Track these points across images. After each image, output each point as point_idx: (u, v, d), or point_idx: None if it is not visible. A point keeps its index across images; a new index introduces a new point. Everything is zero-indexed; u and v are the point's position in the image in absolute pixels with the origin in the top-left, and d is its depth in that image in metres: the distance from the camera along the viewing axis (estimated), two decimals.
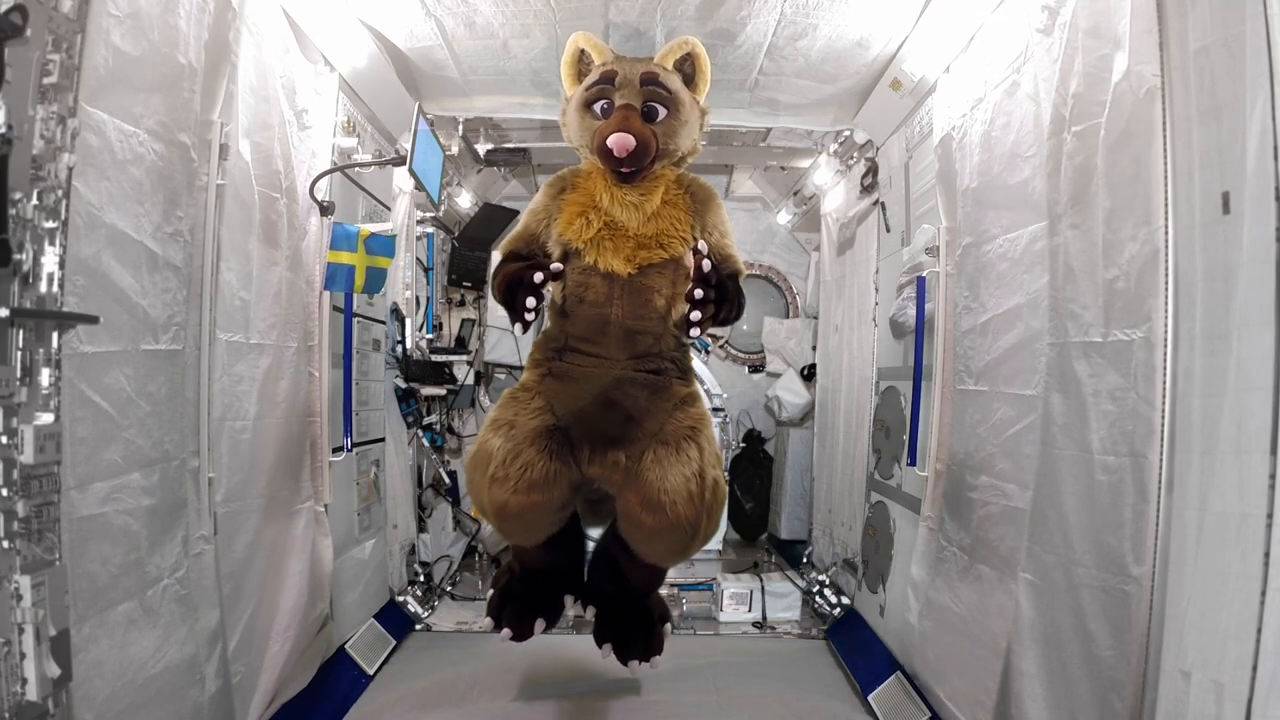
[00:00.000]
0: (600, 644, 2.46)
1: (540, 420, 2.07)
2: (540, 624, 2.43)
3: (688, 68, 2.18)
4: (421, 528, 4.16)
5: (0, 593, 1.39)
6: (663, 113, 2.09)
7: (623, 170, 2.05)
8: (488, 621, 2.49)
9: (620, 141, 1.97)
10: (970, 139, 2.52)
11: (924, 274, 2.82)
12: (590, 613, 2.51)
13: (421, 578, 4.00)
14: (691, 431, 2.11)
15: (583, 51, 2.21)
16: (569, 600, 2.51)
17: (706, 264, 1.83)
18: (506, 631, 2.39)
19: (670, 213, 2.09)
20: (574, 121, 2.18)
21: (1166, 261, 1.66)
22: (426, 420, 4.37)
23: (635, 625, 2.45)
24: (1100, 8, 1.84)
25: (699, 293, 1.84)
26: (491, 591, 2.49)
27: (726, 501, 2.22)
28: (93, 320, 1.61)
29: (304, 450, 2.69)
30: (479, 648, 3.39)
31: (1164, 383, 1.66)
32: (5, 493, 1.42)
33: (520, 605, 2.42)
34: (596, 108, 2.11)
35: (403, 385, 3.95)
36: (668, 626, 2.52)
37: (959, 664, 2.43)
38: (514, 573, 2.48)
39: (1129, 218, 1.76)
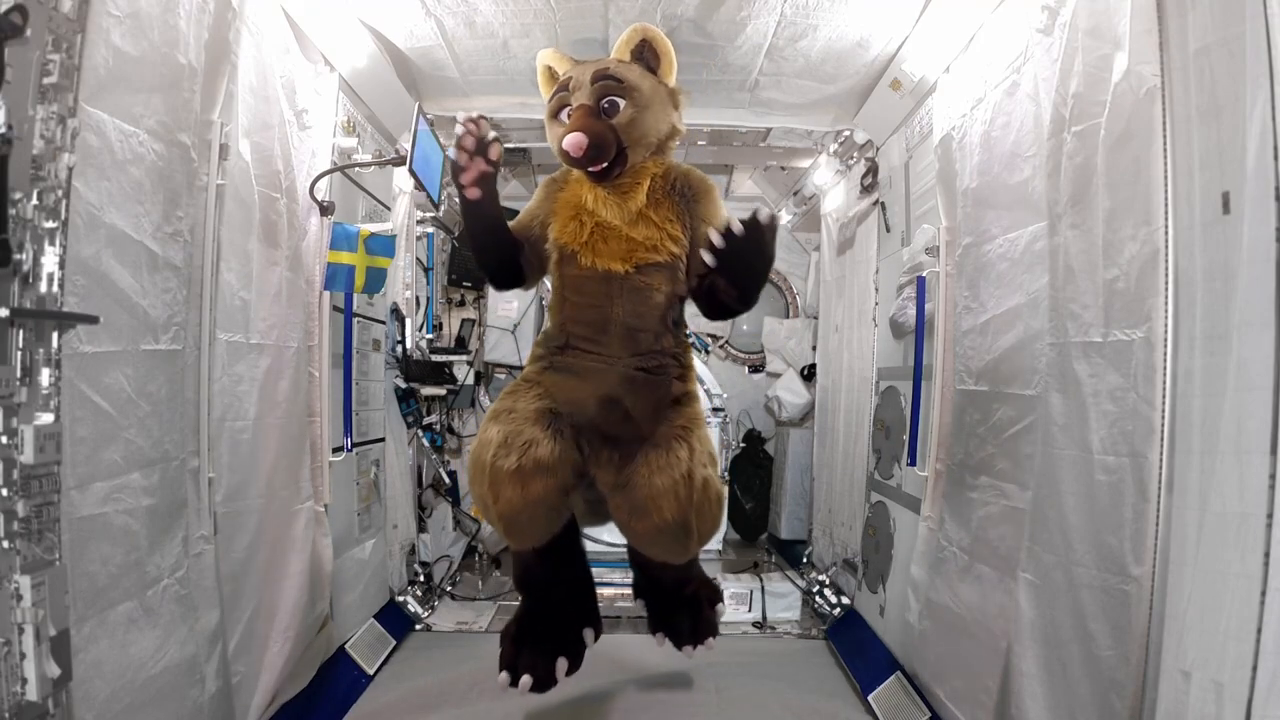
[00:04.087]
0: (655, 633, 2.49)
1: (540, 404, 2.04)
2: (563, 664, 2.16)
3: (648, 55, 2.14)
4: (421, 528, 4.16)
5: (0, 593, 1.39)
6: (622, 104, 2.05)
7: (591, 170, 2.04)
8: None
9: (572, 141, 1.93)
10: (970, 139, 2.52)
11: (924, 274, 2.82)
12: (641, 605, 2.53)
13: (421, 578, 4.00)
14: (683, 431, 2.09)
15: (549, 68, 2.22)
16: (589, 635, 2.29)
17: (715, 237, 1.77)
18: (527, 679, 2.09)
19: (659, 213, 2.07)
20: (549, 134, 2.19)
21: (1166, 261, 1.65)
22: (426, 420, 4.37)
23: (682, 612, 2.46)
24: (1100, 8, 1.84)
25: (716, 240, 1.77)
26: (503, 646, 2.20)
27: (724, 498, 2.19)
28: (93, 320, 1.61)
29: (304, 450, 2.69)
30: (479, 648, 3.38)
31: (1164, 383, 1.66)
32: (5, 493, 1.41)
33: (536, 646, 2.15)
34: (563, 115, 2.11)
35: (403, 385, 3.95)
36: (720, 607, 2.55)
37: (959, 664, 2.43)
38: (521, 617, 2.26)
39: (1129, 218, 1.76)
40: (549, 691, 2.15)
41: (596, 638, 2.32)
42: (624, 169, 2.06)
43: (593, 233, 2.05)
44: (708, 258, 1.80)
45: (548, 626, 2.20)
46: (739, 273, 1.91)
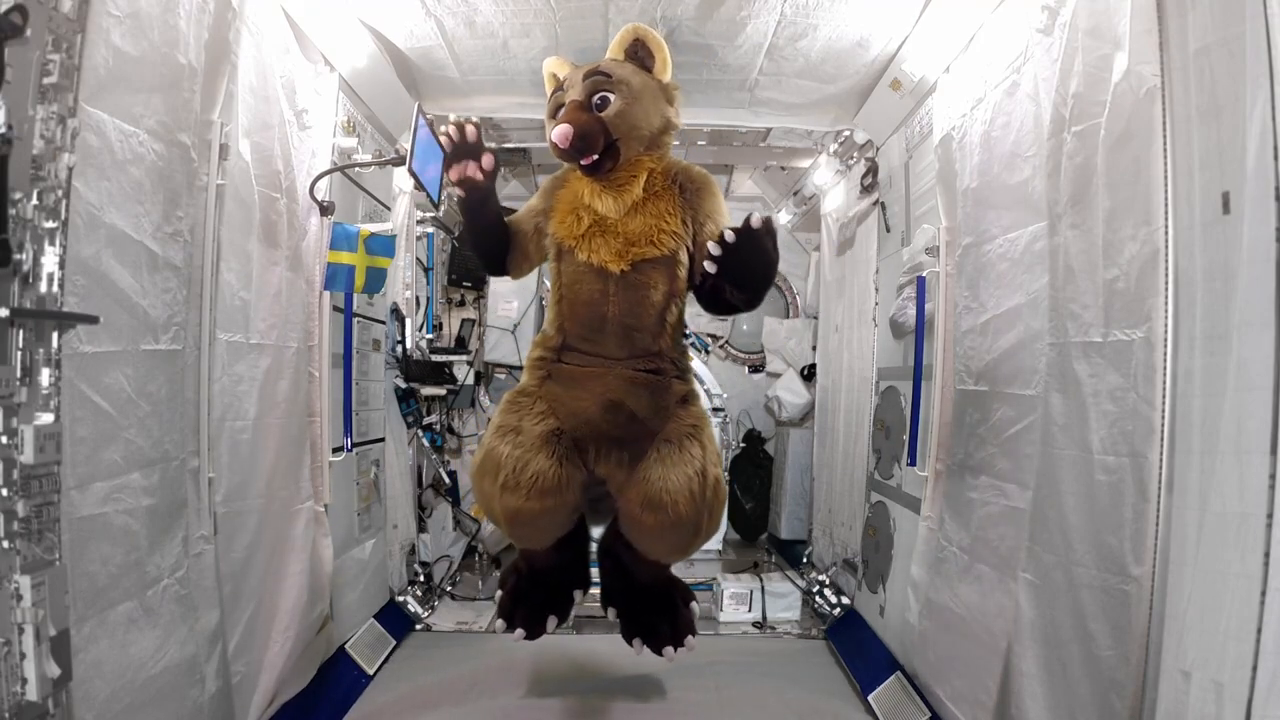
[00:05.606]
0: (630, 641, 2.48)
1: (545, 425, 2.08)
2: (552, 621, 2.45)
3: (643, 53, 2.16)
4: (421, 528, 4.16)
5: (0, 593, 1.39)
6: (612, 98, 2.07)
7: (582, 163, 2.05)
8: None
9: (559, 132, 1.96)
10: (970, 139, 2.52)
11: (924, 274, 2.82)
12: (613, 614, 2.52)
13: (421, 578, 4.01)
14: (694, 430, 2.12)
15: (554, 75, 2.25)
16: (578, 595, 2.53)
17: (714, 248, 1.86)
18: (520, 631, 2.40)
19: (657, 206, 2.08)
20: (547, 134, 2.21)
21: (1166, 261, 1.66)
22: (426, 420, 4.37)
23: (659, 614, 2.46)
24: (1100, 8, 1.84)
25: (714, 250, 1.86)
26: (500, 593, 2.51)
27: (727, 500, 2.23)
28: (93, 320, 1.61)
29: (304, 450, 2.69)
30: (479, 648, 3.39)
31: (1164, 383, 1.66)
32: (5, 493, 1.41)
33: (531, 604, 2.43)
34: (559, 115, 2.13)
35: (403, 385, 3.95)
36: (694, 606, 2.53)
37: (959, 664, 2.43)
38: (521, 572, 2.49)
39: (1129, 218, 1.76)
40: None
41: (584, 596, 2.55)
42: (616, 162, 2.07)
43: (590, 228, 2.07)
44: (709, 266, 1.88)
45: (541, 588, 2.44)
46: (742, 277, 1.98)
